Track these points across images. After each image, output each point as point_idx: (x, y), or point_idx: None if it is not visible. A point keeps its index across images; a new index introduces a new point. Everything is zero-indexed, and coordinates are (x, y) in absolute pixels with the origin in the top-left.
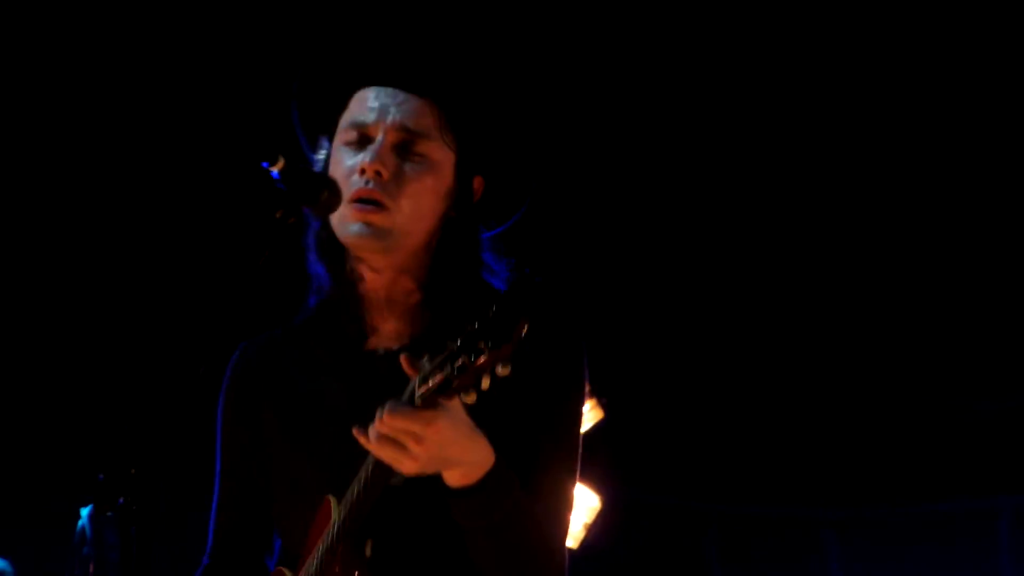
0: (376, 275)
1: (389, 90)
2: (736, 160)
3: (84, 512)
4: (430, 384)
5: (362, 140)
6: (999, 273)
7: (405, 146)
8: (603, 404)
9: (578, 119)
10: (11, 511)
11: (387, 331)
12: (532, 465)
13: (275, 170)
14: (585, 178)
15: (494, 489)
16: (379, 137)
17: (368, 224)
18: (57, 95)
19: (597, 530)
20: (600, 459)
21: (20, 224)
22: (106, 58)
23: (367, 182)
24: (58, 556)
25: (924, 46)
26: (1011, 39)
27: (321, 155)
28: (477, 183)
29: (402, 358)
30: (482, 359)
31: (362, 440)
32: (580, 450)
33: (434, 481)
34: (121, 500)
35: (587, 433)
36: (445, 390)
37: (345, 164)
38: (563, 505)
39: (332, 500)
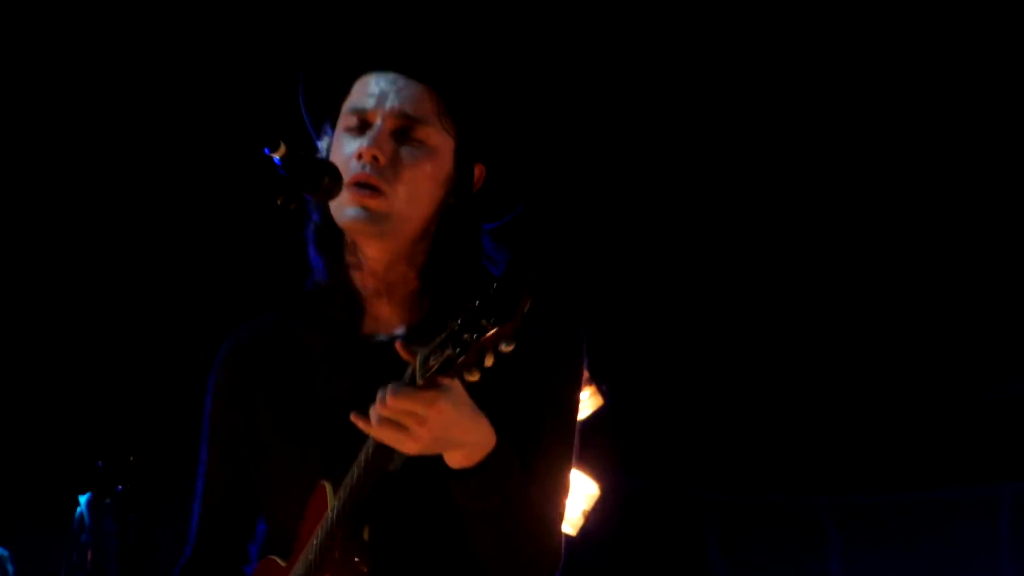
0: (374, 261)
1: (390, 76)
2: (736, 147)
3: (83, 499)
4: (432, 364)
5: (362, 126)
6: (1002, 260)
7: (403, 132)
8: (603, 391)
9: (578, 106)
10: (9, 499)
11: (384, 318)
12: (528, 449)
13: (276, 156)
14: (585, 164)
15: (495, 470)
16: (377, 123)
17: (365, 208)
18: (58, 83)
19: (596, 518)
20: (599, 446)
21: (18, 215)
22: (108, 45)
23: (364, 167)
24: (56, 544)
25: (924, 46)
26: (1011, 39)
27: (325, 141)
28: (478, 171)
29: (397, 345)
30: (486, 336)
31: (362, 424)
32: (576, 436)
33: (431, 466)
34: (120, 487)
35: (586, 420)
36: (448, 369)
37: (344, 150)
38: (559, 490)
39: (327, 486)
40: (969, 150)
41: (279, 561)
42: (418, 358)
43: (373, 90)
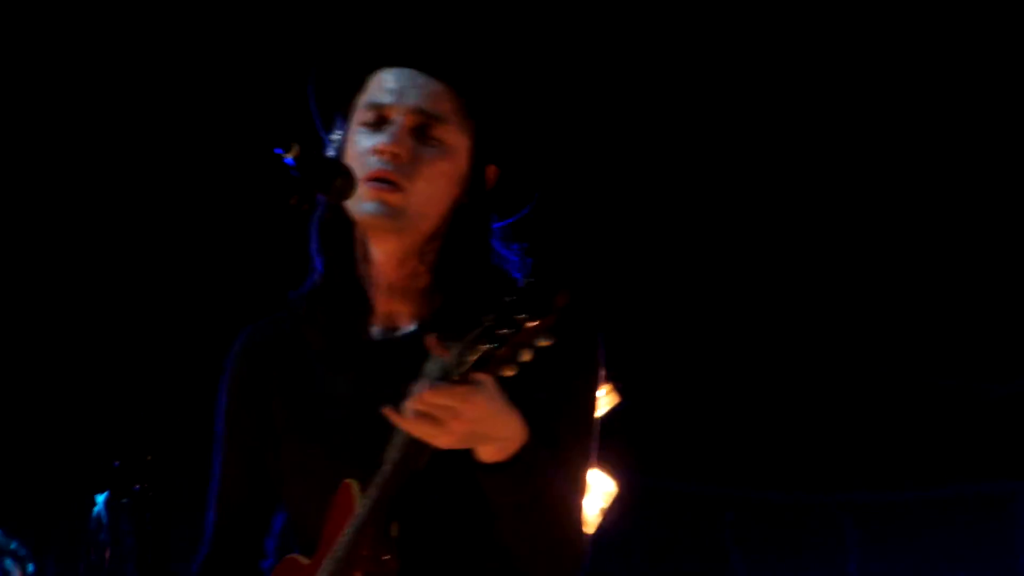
0: (386, 256)
1: (408, 72)
2: (746, 148)
3: (100, 499)
4: (469, 359)
5: (379, 121)
6: (1014, 256)
7: (422, 129)
8: (619, 389)
9: (593, 106)
10: (28, 498)
11: (395, 314)
12: (548, 447)
13: (289, 157)
14: (599, 163)
15: (527, 465)
16: (397, 119)
17: (383, 203)
18: (71, 81)
19: (613, 515)
20: (616, 444)
21: (38, 216)
22: (124, 41)
23: (384, 163)
24: (75, 542)
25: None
26: (1011, 39)
27: (336, 136)
28: (491, 171)
29: (429, 340)
30: (524, 330)
31: (396, 419)
32: (595, 434)
33: (458, 461)
34: (136, 487)
35: (603, 418)
36: (485, 364)
37: (361, 144)
38: (579, 488)
39: (353, 484)
40: (977, 148)
41: (301, 559)
42: (453, 353)
43: (392, 86)
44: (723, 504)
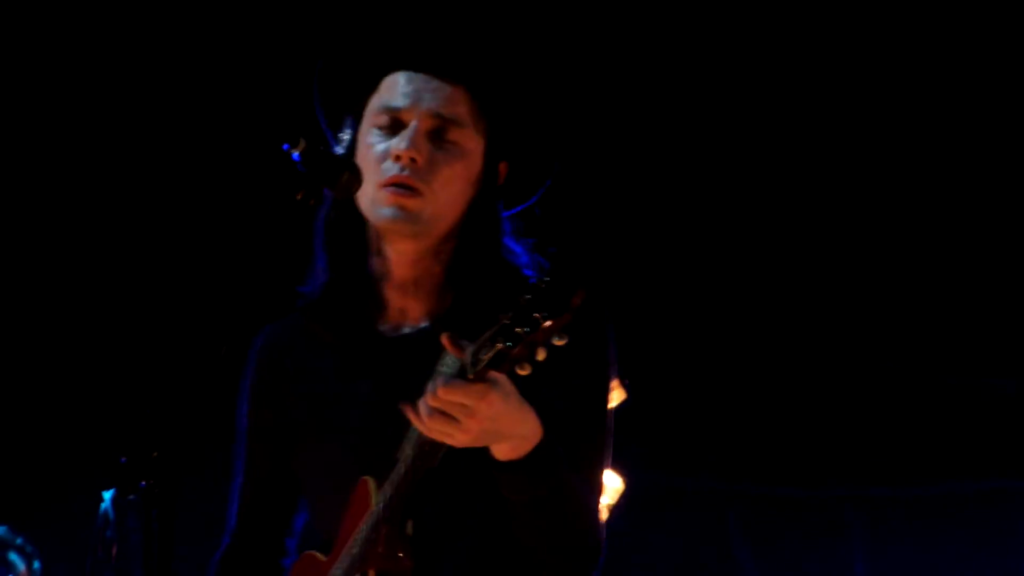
0: (402, 256)
1: (422, 76)
2: (756, 143)
3: (107, 495)
4: (484, 357)
5: (394, 125)
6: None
7: (438, 133)
8: (625, 385)
9: (605, 105)
10: (35, 495)
11: (409, 311)
12: (563, 445)
13: (296, 152)
14: (604, 160)
15: (542, 463)
16: (413, 123)
17: (402, 208)
18: (77, 77)
19: (619, 512)
20: (622, 440)
21: (45, 212)
22: (132, 35)
23: (401, 168)
24: (81, 539)
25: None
26: (1011, 39)
27: (345, 135)
28: (503, 167)
29: (444, 339)
30: (540, 329)
31: (411, 416)
32: (610, 433)
33: (473, 460)
34: (143, 483)
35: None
36: (500, 362)
37: (377, 148)
38: (595, 485)
39: (370, 482)
40: (983, 142)
41: (319, 556)
42: (469, 351)
43: (406, 89)
44: (729, 499)
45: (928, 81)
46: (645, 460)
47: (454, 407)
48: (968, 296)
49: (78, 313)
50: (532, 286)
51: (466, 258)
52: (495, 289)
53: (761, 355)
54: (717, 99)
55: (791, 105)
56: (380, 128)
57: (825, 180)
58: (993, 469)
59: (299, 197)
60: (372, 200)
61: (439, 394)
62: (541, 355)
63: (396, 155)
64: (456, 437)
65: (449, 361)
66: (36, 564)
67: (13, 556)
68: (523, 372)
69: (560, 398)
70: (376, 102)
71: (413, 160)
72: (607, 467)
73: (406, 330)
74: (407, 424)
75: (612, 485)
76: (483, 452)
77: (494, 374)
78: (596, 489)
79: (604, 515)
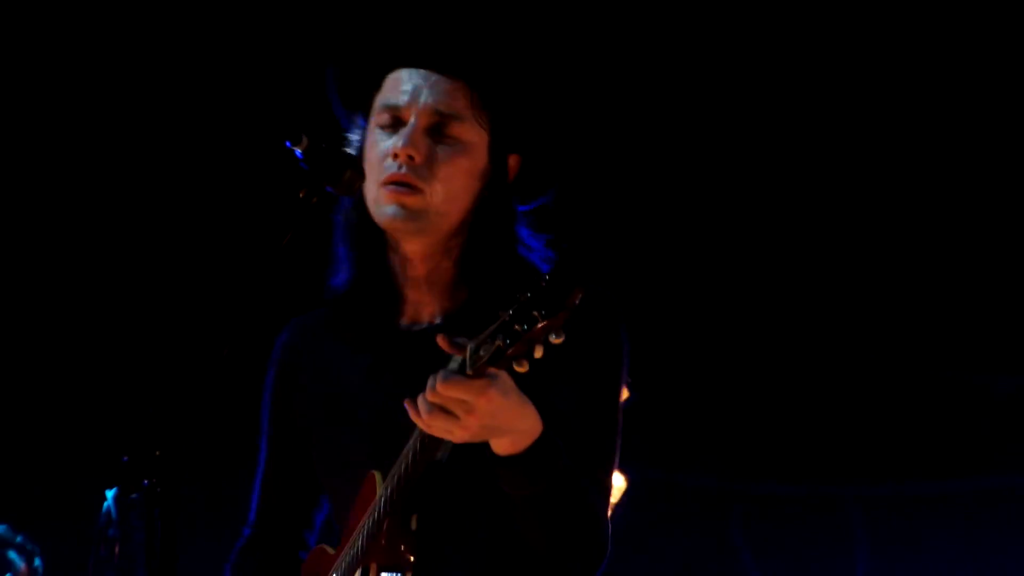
0: (413, 255)
1: (422, 72)
2: (760, 142)
3: (109, 494)
4: (483, 354)
5: (395, 123)
6: None
7: (437, 128)
8: (628, 384)
9: (610, 96)
10: (37, 494)
11: (424, 308)
12: (572, 443)
13: (298, 150)
14: (612, 155)
15: (542, 457)
16: (411, 120)
17: (402, 206)
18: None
19: (622, 510)
20: (625, 438)
21: (48, 213)
22: (136, 33)
23: (400, 166)
24: (84, 538)
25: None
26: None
27: (357, 134)
28: (513, 161)
29: (439, 338)
30: (536, 327)
31: (412, 411)
32: (618, 433)
33: (479, 456)
34: (146, 482)
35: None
36: (498, 359)
37: (379, 147)
38: (604, 483)
39: (377, 475)
40: (990, 137)
41: (329, 549)
42: (468, 348)
43: (406, 86)
44: (731, 498)
45: (927, 80)
46: (647, 458)
47: (453, 403)
48: (971, 294)
49: (81, 312)
50: (533, 283)
51: (477, 254)
52: (509, 285)
53: (763, 353)
54: (722, 96)
55: (794, 103)
56: (382, 127)
57: (827, 183)
58: (994, 467)
59: (302, 195)
60: (375, 199)
61: (438, 389)
62: (539, 352)
63: (394, 153)
64: (455, 433)
65: (454, 359)
66: (37, 561)
67: (13, 555)
68: (520, 369)
69: (571, 398)
70: (379, 101)
71: (411, 158)
72: (616, 461)
73: (420, 326)
74: None
75: (616, 484)
76: (487, 448)
77: (493, 370)
78: (603, 490)
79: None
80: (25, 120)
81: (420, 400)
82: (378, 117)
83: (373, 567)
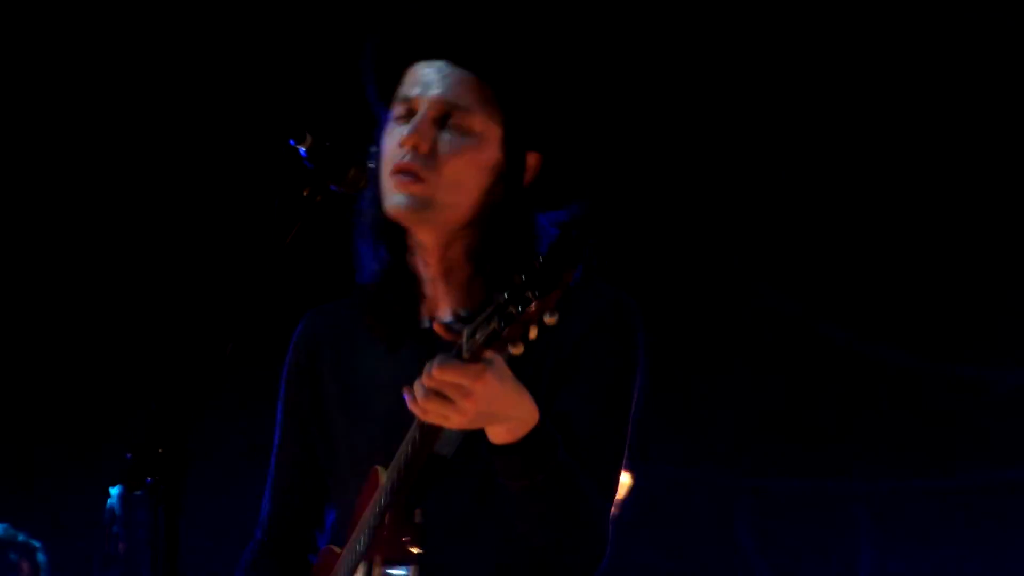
0: (425, 248)
1: (438, 64)
2: (771, 134)
3: (114, 492)
4: (478, 337)
5: (408, 114)
6: None
7: (445, 119)
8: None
9: (629, 97)
10: (41, 491)
11: (441, 305)
12: (580, 436)
13: (302, 148)
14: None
15: (538, 447)
16: (420, 111)
17: (408, 195)
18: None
19: (628, 506)
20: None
21: (58, 212)
22: (143, 33)
23: (405, 155)
24: (88, 535)
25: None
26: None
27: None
28: (533, 160)
29: (436, 326)
30: (530, 308)
31: (408, 399)
32: (627, 430)
33: (483, 450)
34: (149, 479)
35: None
36: (494, 341)
37: (390, 138)
38: (609, 479)
39: (379, 469)
40: (999, 131)
41: (337, 549)
42: (464, 332)
43: (420, 79)
44: (735, 493)
45: (926, 78)
46: (652, 453)
47: (449, 387)
48: (975, 290)
49: (86, 311)
50: (527, 265)
51: (492, 251)
52: (519, 271)
53: (767, 348)
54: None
55: (798, 101)
56: (396, 119)
57: (833, 181)
58: (999, 462)
59: (306, 193)
60: (385, 190)
61: (434, 374)
62: (533, 333)
63: (401, 142)
64: (452, 419)
65: (457, 343)
66: (40, 558)
67: (13, 556)
68: (516, 351)
69: (582, 397)
70: (397, 94)
71: (416, 147)
72: (623, 458)
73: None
74: None
75: (621, 480)
76: (486, 439)
77: (490, 355)
78: (606, 489)
79: (613, 509)
80: (41, 118)
81: (416, 385)
82: (395, 110)
83: (378, 560)
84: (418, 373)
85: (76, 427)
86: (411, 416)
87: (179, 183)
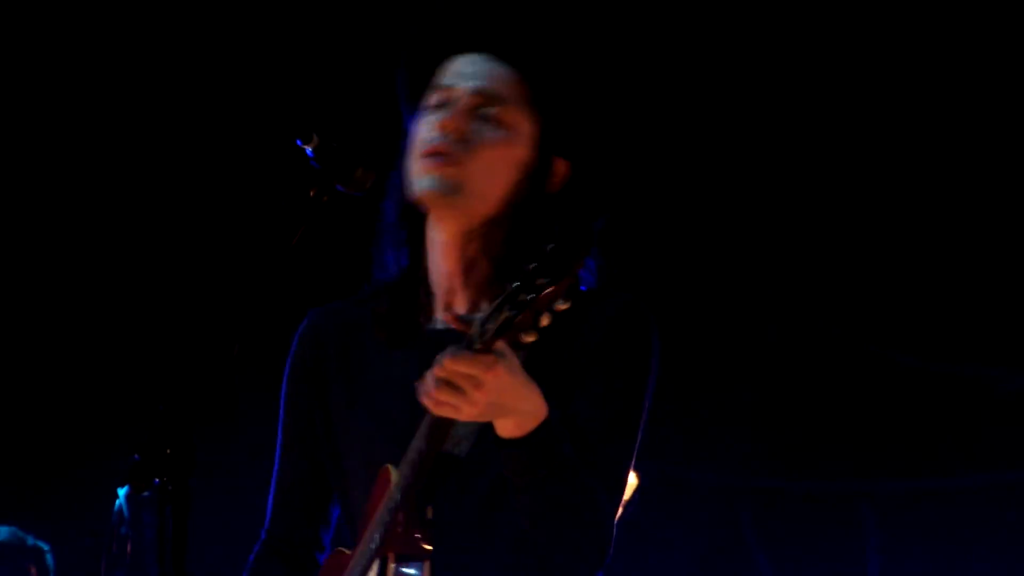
0: (446, 244)
1: (477, 57)
2: (771, 136)
3: (121, 492)
4: (490, 327)
5: (443, 103)
6: None
7: (482, 109)
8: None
9: (668, 109)
10: (50, 492)
11: (457, 303)
12: (590, 436)
13: (309, 148)
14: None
15: (544, 442)
16: (458, 99)
17: (439, 176)
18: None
19: (634, 507)
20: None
21: (66, 214)
22: (151, 34)
23: (439, 137)
24: (96, 536)
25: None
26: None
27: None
28: (562, 167)
29: (446, 316)
30: (541, 295)
31: (419, 391)
32: (637, 432)
33: (493, 446)
34: (157, 480)
35: None
36: (506, 330)
37: (422, 124)
38: (616, 480)
39: (391, 468)
40: (997, 128)
41: (345, 551)
42: (476, 322)
43: (459, 69)
44: (743, 494)
45: (931, 80)
46: (658, 454)
47: (461, 378)
48: (979, 291)
49: (93, 312)
50: (539, 252)
51: (512, 249)
52: (530, 260)
53: (774, 350)
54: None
55: (801, 100)
56: (430, 107)
57: (835, 182)
58: (1007, 462)
59: (312, 194)
60: (412, 174)
61: (446, 365)
62: (545, 321)
63: (435, 125)
64: (463, 410)
65: (468, 335)
66: (49, 559)
67: (22, 560)
68: (529, 339)
69: (595, 398)
70: (432, 85)
71: (453, 130)
72: (631, 461)
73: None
74: None
75: (628, 482)
76: (493, 432)
77: (501, 346)
78: (613, 491)
79: (619, 510)
80: (47, 120)
81: (428, 376)
82: (428, 99)
83: (391, 557)
84: (424, 371)
85: (83, 429)
86: (420, 414)
87: (186, 184)
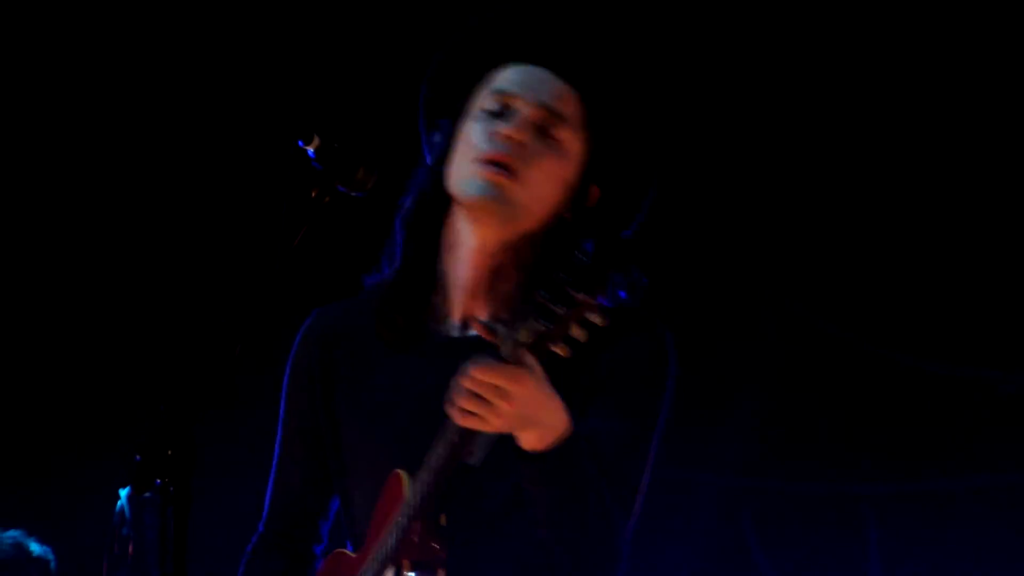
0: (478, 249)
1: (537, 69)
2: (771, 136)
3: (123, 493)
4: (521, 338)
5: (502, 110)
6: None
7: (543, 125)
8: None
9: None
10: (51, 493)
11: (473, 312)
12: (605, 451)
13: (310, 149)
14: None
15: (566, 455)
16: (521, 110)
17: (496, 186)
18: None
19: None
20: None
21: (69, 212)
22: (152, 33)
23: (502, 147)
24: (98, 537)
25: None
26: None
27: (437, 138)
28: (594, 192)
29: (475, 325)
30: (575, 308)
31: (447, 403)
32: (654, 444)
33: (510, 457)
34: (159, 481)
35: None
36: (538, 342)
37: (478, 127)
38: (628, 495)
39: (403, 474)
40: (997, 136)
41: (349, 553)
42: (504, 332)
43: (520, 77)
44: (744, 496)
45: (926, 77)
46: (660, 455)
47: (488, 388)
48: (980, 291)
49: (94, 312)
50: (569, 264)
51: (545, 265)
52: (559, 270)
53: (775, 350)
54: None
55: (801, 100)
56: (487, 110)
57: (836, 183)
58: (1008, 463)
59: (314, 194)
60: (464, 176)
61: (474, 375)
62: (577, 332)
63: (499, 134)
64: (489, 421)
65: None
66: (51, 560)
67: (24, 562)
68: (560, 351)
69: (609, 417)
70: (485, 89)
71: (518, 143)
72: (645, 476)
73: (470, 333)
74: (448, 420)
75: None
76: (513, 444)
77: (528, 358)
78: (625, 508)
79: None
80: (47, 120)
81: (454, 387)
82: (484, 101)
83: (405, 565)
84: (442, 380)
85: (84, 429)
86: (428, 420)
87: (187, 185)
